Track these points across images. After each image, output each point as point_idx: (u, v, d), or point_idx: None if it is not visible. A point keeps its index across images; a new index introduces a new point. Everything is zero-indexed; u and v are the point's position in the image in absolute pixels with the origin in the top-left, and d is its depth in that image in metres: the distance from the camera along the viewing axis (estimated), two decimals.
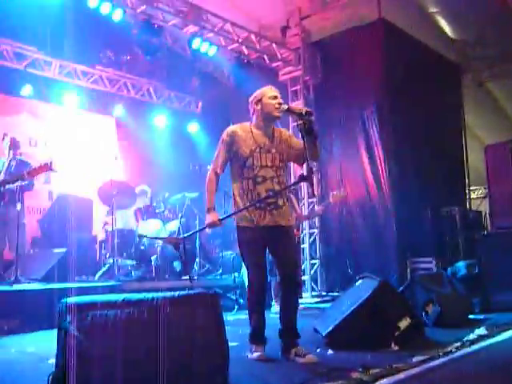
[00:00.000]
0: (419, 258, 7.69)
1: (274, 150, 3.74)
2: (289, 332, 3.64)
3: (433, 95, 9.04)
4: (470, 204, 10.22)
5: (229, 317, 5.89)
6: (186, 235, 4.32)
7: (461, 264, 6.53)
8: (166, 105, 10.39)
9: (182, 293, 2.74)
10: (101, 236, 7.94)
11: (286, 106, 3.66)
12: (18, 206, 6.04)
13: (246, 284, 3.90)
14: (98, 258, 7.83)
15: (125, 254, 7.38)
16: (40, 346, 4.21)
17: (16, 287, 5.58)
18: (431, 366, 3.15)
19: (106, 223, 7.64)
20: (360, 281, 4.60)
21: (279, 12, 9.06)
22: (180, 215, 7.60)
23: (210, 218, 3.68)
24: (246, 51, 8.53)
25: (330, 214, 8.46)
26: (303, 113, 3.53)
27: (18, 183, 5.17)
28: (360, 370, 2.97)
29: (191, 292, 2.82)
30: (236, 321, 5.74)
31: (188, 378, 2.62)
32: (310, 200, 8.44)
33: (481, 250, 6.48)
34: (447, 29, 9.49)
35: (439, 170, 8.95)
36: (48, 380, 2.50)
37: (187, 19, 7.41)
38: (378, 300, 4.03)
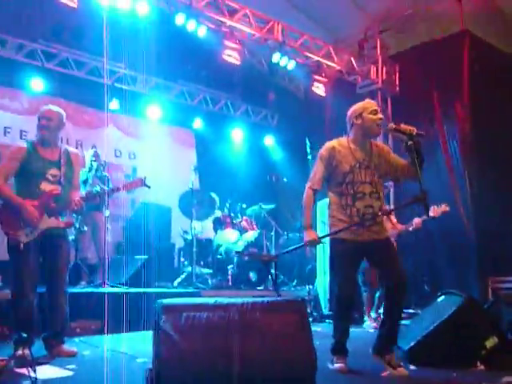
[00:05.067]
0: (502, 277, 7.37)
1: (372, 166, 3.70)
2: (389, 337, 3.61)
3: None
4: None
5: None
6: (282, 252, 4.40)
7: None
8: (243, 118, 10.61)
9: (272, 299, 2.82)
10: (179, 244, 8.20)
11: (394, 125, 3.60)
12: (107, 213, 6.39)
13: (326, 295, 3.95)
14: (176, 265, 8.08)
15: (202, 262, 7.58)
16: (129, 347, 4.41)
17: (103, 290, 5.89)
18: None
19: (185, 231, 7.88)
20: (442, 297, 4.50)
21: (358, 25, 9.08)
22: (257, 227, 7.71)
23: (309, 235, 3.67)
24: (324, 65, 8.57)
25: None
26: (414, 133, 3.48)
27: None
28: None
29: (280, 298, 2.88)
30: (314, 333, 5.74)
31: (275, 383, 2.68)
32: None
33: None
34: None
35: None
36: (145, 377, 2.64)
37: (267, 34, 7.56)
38: (463, 317, 3.94)
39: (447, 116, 8.18)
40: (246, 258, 7.21)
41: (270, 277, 6.78)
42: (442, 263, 8.03)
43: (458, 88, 8.09)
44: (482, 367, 3.71)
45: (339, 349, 3.66)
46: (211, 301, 2.80)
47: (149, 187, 4.23)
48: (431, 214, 6.16)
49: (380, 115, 3.69)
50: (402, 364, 3.51)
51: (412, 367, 3.73)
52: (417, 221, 6.40)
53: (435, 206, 6.18)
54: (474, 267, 7.59)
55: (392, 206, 8.08)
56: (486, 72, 8.13)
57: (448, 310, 4.02)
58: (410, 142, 3.46)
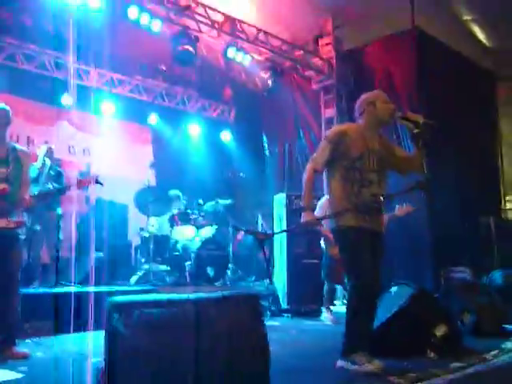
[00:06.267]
0: (454, 267, 7.60)
1: (380, 155, 3.64)
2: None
3: (467, 104, 8.96)
4: (504, 213, 10.05)
5: None
6: (275, 232, 4.29)
7: (497, 273, 6.45)
8: (200, 113, 10.54)
9: (225, 293, 2.81)
10: (136, 241, 8.10)
11: (400, 113, 3.59)
12: (59, 211, 6.24)
13: (285, 289, 3.85)
14: (132, 262, 7.98)
15: (159, 259, 7.51)
16: (81, 346, 4.34)
17: (56, 290, 5.76)
18: (469, 373, 3.15)
19: (141, 229, 7.79)
20: (395, 288, 4.60)
21: (312, 22, 9.14)
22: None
23: (306, 216, 3.52)
24: (278, 60, 8.62)
25: None
26: (421, 121, 3.47)
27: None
28: (397, 374, 2.99)
29: (234, 293, 2.88)
30: (270, 327, 5.79)
31: (229, 378, 2.68)
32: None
33: None
34: (482, 37, 9.42)
35: (474, 179, 8.85)
36: (96, 376, 2.60)
37: (221, 29, 7.54)
38: (414, 307, 4.03)
39: (400, 111, 8.33)
40: (243, 232, 7.10)
41: (263, 255, 6.72)
42: (399, 256, 8.18)
43: (408, 84, 8.27)
44: (433, 355, 3.80)
45: (364, 344, 3.40)
46: (164, 297, 2.78)
47: (102, 184, 4.17)
48: (396, 212, 6.25)
49: (392, 105, 3.66)
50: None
51: None
52: (398, 211, 6.46)
53: (400, 206, 6.27)
54: (428, 259, 7.78)
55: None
56: (435, 68, 8.34)
57: (399, 301, 4.11)
58: (416, 131, 3.46)
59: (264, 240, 3.70)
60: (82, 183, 4.20)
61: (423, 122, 3.46)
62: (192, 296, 2.76)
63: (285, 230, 5.04)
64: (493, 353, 3.74)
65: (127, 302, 2.73)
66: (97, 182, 4.10)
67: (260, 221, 8.69)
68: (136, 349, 2.52)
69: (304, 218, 3.54)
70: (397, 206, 6.34)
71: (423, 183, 3.37)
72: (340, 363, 3.42)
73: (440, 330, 3.95)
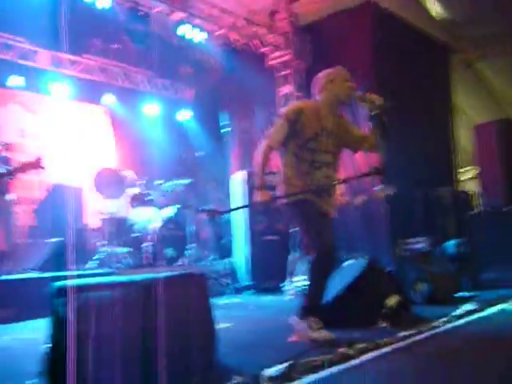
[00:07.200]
0: (410, 239, 7.76)
1: (335, 135, 3.58)
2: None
3: (421, 76, 9.07)
4: (457, 185, 10.31)
5: (221, 301, 5.99)
6: (226, 211, 4.21)
7: (449, 243, 6.63)
8: (158, 93, 10.36)
9: (173, 273, 2.80)
10: (94, 224, 7.98)
11: (359, 93, 3.52)
12: (10, 196, 6.07)
13: (249, 266, 3.73)
14: (91, 246, 7.86)
15: (118, 241, 7.42)
16: (36, 333, 4.26)
17: (11, 276, 5.63)
18: (416, 340, 3.24)
19: (98, 212, 7.67)
20: (349, 261, 4.68)
21: None
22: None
23: (261, 195, 3.45)
24: (234, 37, 8.52)
25: None
26: (379, 103, 3.44)
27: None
28: (346, 345, 3.04)
29: (181, 272, 2.88)
30: (228, 304, 5.84)
31: (179, 356, 2.69)
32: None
33: (469, 229, 6.59)
34: (435, 8, 9.49)
35: (428, 151, 9.01)
36: (43, 361, 2.56)
37: (173, 5, 7.39)
38: (365, 278, 4.11)
39: (356, 85, 8.37)
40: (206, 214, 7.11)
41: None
42: (356, 230, 8.30)
43: (364, 58, 8.30)
44: (384, 324, 3.87)
45: (315, 310, 3.45)
46: (111, 279, 2.75)
47: (43, 168, 4.05)
48: (377, 194, 6.26)
49: (352, 84, 3.60)
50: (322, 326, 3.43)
51: None
52: (358, 200, 6.54)
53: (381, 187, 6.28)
54: (385, 232, 7.91)
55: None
56: (390, 41, 8.40)
57: (353, 273, 4.19)
58: (374, 112, 3.44)
59: (214, 217, 3.62)
60: (24, 167, 4.08)
61: (381, 104, 3.45)
62: (138, 277, 2.73)
63: (238, 208, 5.03)
64: (442, 320, 3.84)
65: (72, 286, 2.69)
66: (39, 165, 3.98)
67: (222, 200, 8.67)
68: (80, 333, 2.49)
69: (259, 195, 3.48)
70: (378, 187, 6.34)
71: (378, 169, 3.36)
72: (293, 321, 3.47)
73: (391, 301, 4.03)
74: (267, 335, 3.74)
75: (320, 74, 3.75)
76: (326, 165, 3.54)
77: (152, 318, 2.57)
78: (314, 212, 3.48)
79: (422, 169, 8.59)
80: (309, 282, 3.56)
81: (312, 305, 3.47)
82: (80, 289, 2.63)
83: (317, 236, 3.47)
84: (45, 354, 2.59)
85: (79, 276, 5.84)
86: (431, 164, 8.98)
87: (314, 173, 3.51)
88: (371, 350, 2.99)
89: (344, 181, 3.58)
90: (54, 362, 2.46)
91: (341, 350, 2.96)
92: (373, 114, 3.48)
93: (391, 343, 3.14)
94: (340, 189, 6.54)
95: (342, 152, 3.75)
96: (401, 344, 3.15)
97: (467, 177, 10.33)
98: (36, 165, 4.02)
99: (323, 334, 3.32)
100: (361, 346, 3.01)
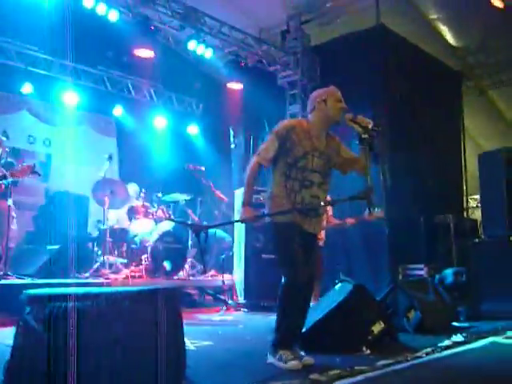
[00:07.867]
0: (410, 265, 7.65)
1: (325, 155, 3.57)
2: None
3: (432, 102, 9.02)
4: (467, 212, 10.17)
5: (214, 318, 5.93)
6: (213, 226, 4.18)
7: (448, 271, 6.52)
8: (166, 106, 10.43)
9: (143, 288, 2.77)
10: (94, 234, 7.99)
11: (351, 116, 3.49)
12: (9, 202, 6.10)
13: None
14: (90, 255, 7.86)
15: (116, 252, 7.43)
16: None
17: (4, 282, 5.63)
18: (392, 370, 3.15)
19: (98, 221, 7.70)
20: (339, 284, 4.60)
21: (279, 16, 9.10)
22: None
23: (245, 212, 3.43)
24: (244, 54, 8.56)
25: None
26: (370, 127, 3.41)
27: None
28: (319, 371, 2.98)
29: (152, 287, 2.84)
30: (221, 321, 5.79)
31: (144, 371, 2.64)
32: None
33: (471, 257, 6.45)
34: (448, 36, 9.48)
35: (437, 177, 8.91)
36: (4, 368, 2.54)
37: (184, 21, 7.46)
38: (351, 303, 4.04)
39: (365, 109, 8.28)
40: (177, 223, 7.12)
41: (199, 248, 6.68)
42: (357, 254, 8.21)
43: (374, 81, 8.27)
44: (368, 351, 3.79)
45: (287, 342, 3.40)
46: (80, 290, 2.73)
47: (39, 175, 4.08)
48: (365, 216, 6.19)
49: (344, 104, 3.59)
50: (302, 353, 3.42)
51: (302, 353, 3.77)
52: (349, 220, 6.49)
53: (369, 211, 6.18)
54: (386, 257, 7.80)
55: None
56: (400, 66, 8.37)
57: (339, 297, 4.12)
58: (364, 135, 3.40)
59: (199, 232, 3.56)
60: (18, 173, 4.11)
61: (371, 128, 3.41)
62: (107, 290, 2.71)
63: (223, 223, 5.00)
64: (425, 350, 3.74)
65: (42, 295, 2.67)
66: (33, 172, 4.01)
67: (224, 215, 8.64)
68: (42, 341, 2.46)
69: (244, 213, 3.46)
70: (367, 210, 6.25)
71: (365, 193, 3.30)
72: (269, 359, 3.40)
73: (377, 327, 3.95)
74: (245, 355, 3.68)
75: (313, 93, 3.73)
76: (315, 184, 3.51)
77: (115, 331, 2.53)
78: (293, 237, 3.42)
79: (429, 195, 8.48)
80: (276, 312, 3.49)
81: (283, 336, 3.40)
82: (48, 298, 2.61)
83: (290, 262, 3.41)
84: (7, 361, 2.57)
85: (71, 284, 5.85)
86: (441, 189, 8.89)
87: (302, 192, 3.47)
88: (344, 377, 2.91)
89: (331, 202, 3.49)
90: (12, 370, 2.43)
91: (312, 376, 2.89)
92: (363, 136, 3.43)
93: (367, 371, 3.06)
94: (331, 210, 6.48)
95: (331, 173, 3.70)
96: (376, 373, 3.06)
97: (475, 204, 10.21)
98: (30, 171, 4.04)
99: (296, 364, 3.25)
100: (333, 372, 2.93)
